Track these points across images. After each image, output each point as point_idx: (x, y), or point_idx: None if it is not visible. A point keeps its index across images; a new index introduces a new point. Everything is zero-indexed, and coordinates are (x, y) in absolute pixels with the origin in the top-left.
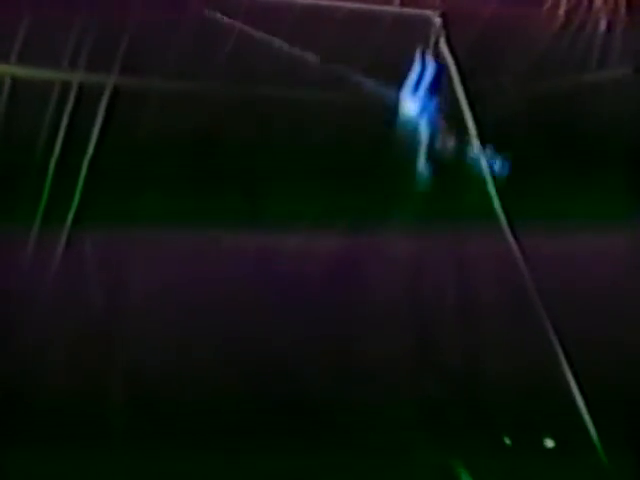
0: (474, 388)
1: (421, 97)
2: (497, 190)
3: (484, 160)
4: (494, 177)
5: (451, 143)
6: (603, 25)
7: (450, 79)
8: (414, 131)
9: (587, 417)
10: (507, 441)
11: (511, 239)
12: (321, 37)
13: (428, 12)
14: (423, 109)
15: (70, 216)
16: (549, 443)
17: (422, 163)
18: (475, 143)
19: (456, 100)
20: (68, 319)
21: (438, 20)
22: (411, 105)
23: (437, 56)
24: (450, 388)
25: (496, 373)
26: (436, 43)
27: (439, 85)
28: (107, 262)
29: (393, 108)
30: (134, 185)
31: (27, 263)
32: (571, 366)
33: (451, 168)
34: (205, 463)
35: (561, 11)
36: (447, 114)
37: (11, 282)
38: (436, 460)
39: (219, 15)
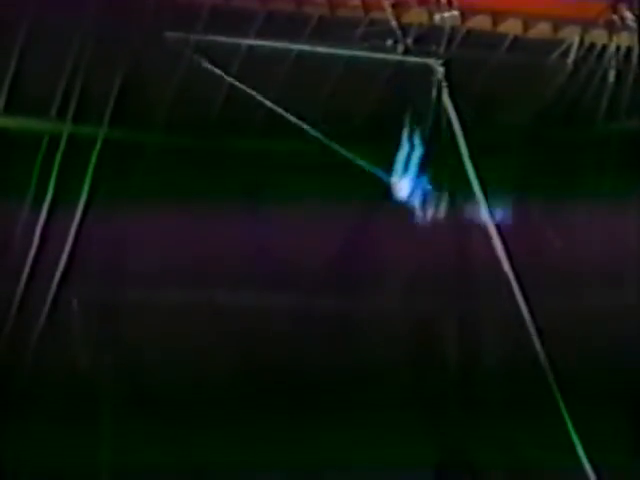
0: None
1: (411, 178)
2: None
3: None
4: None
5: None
6: (612, 76)
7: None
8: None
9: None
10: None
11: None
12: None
13: (431, 60)
14: (414, 188)
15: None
16: None
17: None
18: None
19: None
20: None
21: (441, 69)
22: (402, 187)
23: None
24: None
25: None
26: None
27: (427, 163)
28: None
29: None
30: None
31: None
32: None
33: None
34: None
35: (570, 60)
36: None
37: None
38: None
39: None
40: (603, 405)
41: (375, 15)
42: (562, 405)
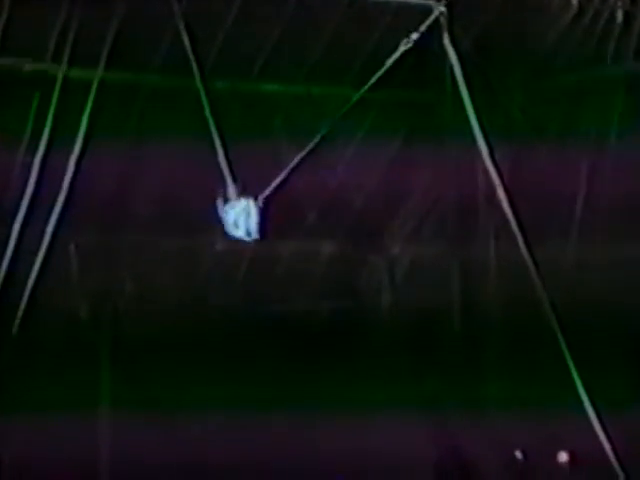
0: None
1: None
2: None
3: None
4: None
5: None
6: (620, 17)
7: None
8: None
9: None
10: None
11: None
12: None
13: (432, 2)
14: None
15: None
16: None
17: None
18: None
19: None
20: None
21: (443, 10)
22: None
23: None
24: None
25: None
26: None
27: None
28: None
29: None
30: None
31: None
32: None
33: None
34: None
35: (574, 1)
36: None
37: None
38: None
39: None
40: (604, 346)
41: None
42: (564, 347)
